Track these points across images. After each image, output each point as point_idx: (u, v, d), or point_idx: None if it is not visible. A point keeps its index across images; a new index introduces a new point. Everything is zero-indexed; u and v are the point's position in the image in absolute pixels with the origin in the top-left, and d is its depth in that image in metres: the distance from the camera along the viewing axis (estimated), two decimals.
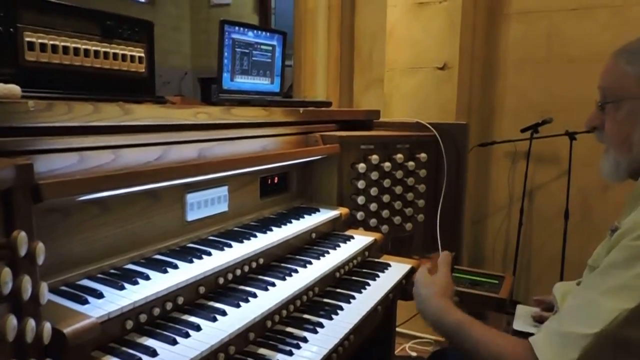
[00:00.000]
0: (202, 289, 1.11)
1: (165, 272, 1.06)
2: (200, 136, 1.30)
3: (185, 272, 1.08)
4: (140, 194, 1.14)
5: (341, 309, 1.28)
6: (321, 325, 1.18)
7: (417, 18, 3.21)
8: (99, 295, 0.91)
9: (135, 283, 0.98)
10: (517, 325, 1.59)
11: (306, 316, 1.23)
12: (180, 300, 1.05)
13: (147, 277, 1.01)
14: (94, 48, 1.21)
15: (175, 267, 1.09)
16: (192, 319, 1.02)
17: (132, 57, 1.34)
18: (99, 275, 1.01)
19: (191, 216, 1.30)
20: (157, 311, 0.98)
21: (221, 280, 1.18)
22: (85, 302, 0.88)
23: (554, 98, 3.52)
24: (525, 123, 3.46)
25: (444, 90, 3.21)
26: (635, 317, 0.87)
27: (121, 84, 1.32)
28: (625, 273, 0.90)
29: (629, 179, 1.17)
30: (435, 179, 1.99)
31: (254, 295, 1.15)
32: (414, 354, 3.18)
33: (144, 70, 1.39)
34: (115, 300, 0.90)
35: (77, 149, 0.93)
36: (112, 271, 1.05)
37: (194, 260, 1.14)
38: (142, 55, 1.38)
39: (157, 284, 1.00)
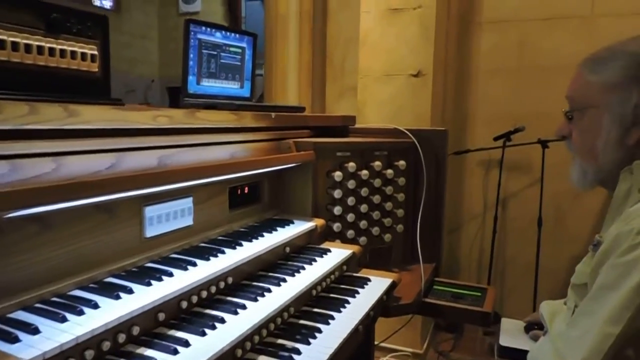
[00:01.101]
0: (161, 316, 0.97)
1: (118, 298, 0.92)
2: (160, 142, 1.16)
3: (142, 297, 0.94)
4: (90, 208, 1.00)
5: (319, 331, 1.16)
6: (298, 352, 1.05)
7: (391, 24, 3.16)
8: (34, 330, 0.76)
9: (81, 313, 0.84)
10: (504, 340, 1.50)
11: (281, 341, 1.11)
12: (136, 330, 0.91)
13: (95, 306, 0.87)
14: (37, 43, 1.07)
15: (130, 291, 0.95)
16: (149, 352, 0.88)
17: (82, 54, 1.20)
18: (37, 306, 0.86)
19: (150, 232, 1.16)
20: (107, 345, 0.84)
21: (184, 305, 1.04)
22: (16, 340, 0.73)
23: (526, 107, 3.53)
24: (498, 132, 3.45)
25: (418, 97, 3.16)
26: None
27: (70, 84, 1.18)
28: (618, 293, 0.87)
29: (599, 187, 1.16)
30: (414, 187, 1.90)
31: (222, 321, 1.02)
32: None
33: (97, 69, 1.25)
34: (54, 336, 0.76)
35: (6, 157, 0.79)
36: (54, 299, 0.90)
37: (153, 282, 1.00)
38: (95, 52, 1.24)
39: (107, 312, 0.86)
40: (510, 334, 1.54)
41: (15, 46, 1.03)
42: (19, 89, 1.04)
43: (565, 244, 3.54)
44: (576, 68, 1.13)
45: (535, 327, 1.52)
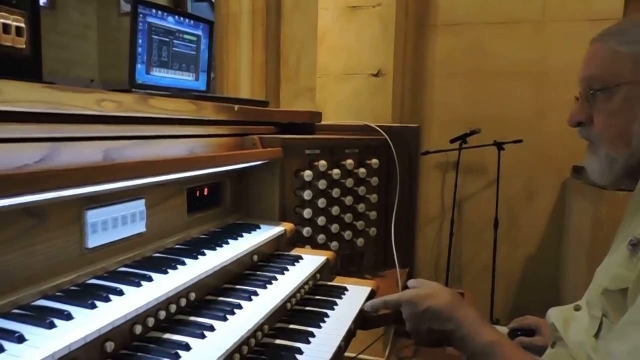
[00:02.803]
0: (110, 346, 0.77)
1: (52, 326, 0.71)
2: (106, 132, 0.96)
3: (84, 324, 0.74)
4: (15, 212, 0.79)
5: (300, 352, 1.00)
6: None
7: (350, 23, 3.06)
8: None
9: (0, 351, 0.63)
10: None
11: None
12: None
13: (20, 339, 0.66)
14: None
15: (69, 317, 0.74)
16: None
17: (5, 26, 0.97)
18: None
19: (94, 241, 0.95)
20: None
21: (139, 330, 0.84)
22: None
23: (481, 110, 3.55)
24: (454, 134, 3.44)
25: (379, 98, 3.08)
26: None
27: None
28: None
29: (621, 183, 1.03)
30: (386, 187, 1.79)
31: (187, 348, 0.84)
32: None
33: (24, 46, 1.03)
34: None
35: None
36: None
37: (98, 303, 0.80)
38: (22, 25, 1.02)
39: (37, 347, 0.65)
40: None
41: None
42: None
43: (519, 245, 3.58)
44: (592, 45, 1.00)
45: (519, 334, 1.43)
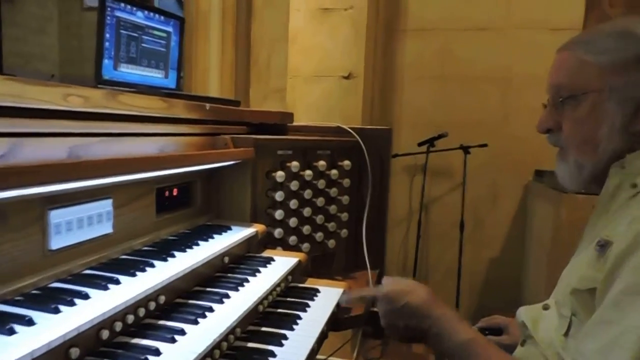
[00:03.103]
0: (74, 352, 0.74)
1: (11, 332, 0.67)
2: (72, 128, 0.92)
3: (48, 330, 0.70)
4: None
5: (273, 355, 0.98)
6: None
7: (322, 24, 3.07)
8: None
9: None
10: None
11: None
12: None
13: None
14: None
15: (30, 322, 0.70)
16: None
17: None
18: None
19: (57, 242, 0.91)
20: None
21: (105, 335, 0.81)
22: None
23: (448, 114, 3.62)
24: (421, 137, 3.50)
25: (349, 100, 3.09)
26: None
27: None
28: None
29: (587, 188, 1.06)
30: (358, 189, 1.79)
31: (156, 353, 0.81)
32: None
33: None
34: None
35: None
36: None
37: (62, 308, 0.76)
38: None
39: None
40: None
41: None
42: None
43: (484, 247, 3.67)
44: (558, 54, 1.03)
45: (487, 333, 1.46)
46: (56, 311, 0.75)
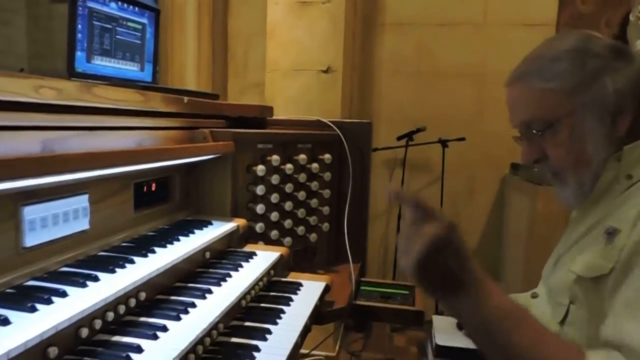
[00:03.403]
0: (52, 352, 0.71)
1: None
2: (45, 121, 0.89)
3: (23, 329, 0.68)
4: None
5: (257, 350, 0.98)
6: None
7: (300, 18, 3.04)
8: None
9: None
10: (441, 339, 1.44)
11: None
12: None
13: None
14: None
15: (5, 322, 0.68)
16: None
17: None
18: None
19: (31, 240, 0.88)
20: None
21: (84, 333, 0.79)
22: None
23: (425, 108, 3.65)
24: (400, 131, 3.52)
25: (328, 94, 3.08)
26: None
27: None
28: None
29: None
30: (339, 182, 1.79)
31: (138, 350, 0.79)
32: None
33: None
34: None
35: None
36: None
37: (38, 306, 0.74)
38: None
39: None
40: (445, 331, 1.49)
41: None
42: None
43: None
44: (512, 89, 1.03)
45: None
46: (33, 310, 0.73)
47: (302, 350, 3.04)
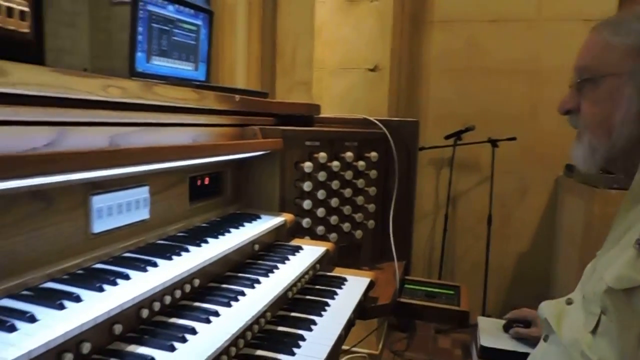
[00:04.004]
0: (118, 328, 0.78)
1: (61, 307, 0.72)
2: (112, 118, 0.96)
3: (94, 306, 0.74)
4: (22, 194, 0.79)
5: (302, 339, 1.01)
6: None
7: (348, 16, 3.07)
8: None
9: (12, 329, 0.63)
10: (486, 340, 1.42)
11: (260, 353, 0.95)
12: (86, 348, 0.71)
13: (31, 319, 0.67)
14: None
15: (77, 299, 0.75)
16: None
17: (9, 9, 0.97)
18: None
19: (99, 226, 0.95)
20: None
21: (145, 313, 0.85)
22: None
23: (474, 107, 3.58)
24: (448, 130, 3.47)
25: (375, 92, 3.09)
26: None
27: None
28: None
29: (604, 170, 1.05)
30: (385, 180, 1.80)
31: (193, 331, 0.84)
32: None
33: (27, 30, 1.02)
34: None
35: None
36: None
37: (105, 287, 0.81)
38: (26, 9, 1.01)
39: (48, 327, 0.66)
40: (490, 333, 1.47)
41: None
42: None
43: (511, 241, 3.63)
44: (588, 34, 1.02)
45: (514, 325, 1.46)
46: (100, 290, 0.79)
47: (345, 347, 3.07)
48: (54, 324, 0.66)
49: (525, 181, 3.58)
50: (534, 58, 3.43)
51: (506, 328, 1.47)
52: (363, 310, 1.40)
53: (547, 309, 1.07)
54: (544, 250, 3.50)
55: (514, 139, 3.31)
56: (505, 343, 1.40)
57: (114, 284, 0.83)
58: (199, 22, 1.77)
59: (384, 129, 1.76)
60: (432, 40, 3.70)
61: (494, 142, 3.37)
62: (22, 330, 0.64)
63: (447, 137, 3.48)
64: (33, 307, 0.70)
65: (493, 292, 3.54)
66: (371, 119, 1.79)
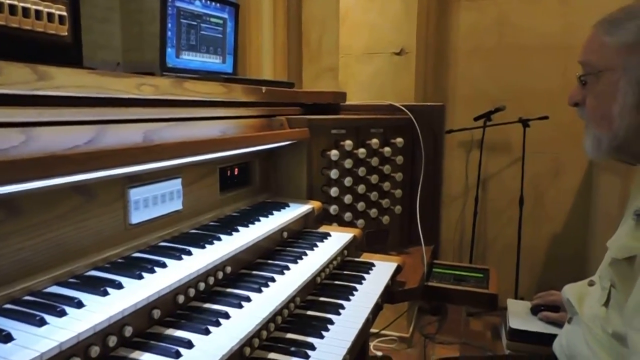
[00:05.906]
0: (156, 313, 0.84)
1: (105, 294, 0.78)
2: (145, 114, 1.01)
3: (134, 292, 0.80)
4: (66, 190, 0.85)
5: (331, 322, 1.05)
6: (312, 347, 0.94)
7: (372, 1, 3.04)
8: (6, 337, 0.62)
9: (62, 314, 0.70)
10: (515, 323, 1.43)
11: (291, 336, 0.99)
12: (128, 331, 0.77)
13: (79, 304, 0.73)
14: None
15: (119, 286, 0.81)
16: (146, 356, 0.75)
17: (49, 15, 1.03)
18: (7, 307, 0.72)
19: (136, 217, 1.01)
20: (95, 351, 0.70)
21: (181, 299, 0.91)
22: None
23: (505, 86, 3.49)
24: (477, 112, 3.41)
25: (401, 76, 3.06)
26: None
27: (36, 50, 1.01)
28: None
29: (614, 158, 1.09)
30: (411, 166, 1.81)
31: (226, 316, 0.90)
32: (379, 353, 3.02)
33: (66, 33, 1.08)
34: (31, 344, 0.62)
35: None
36: (27, 299, 0.75)
37: (144, 274, 0.86)
38: (64, 14, 1.07)
39: (94, 312, 0.72)
40: (519, 315, 1.48)
41: None
42: None
43: (544, 223, 3.56)
44: (591, 30, 1.06)
45: (542, 309, 1.46)
46: (140, 277, 0.85)
47: (374, 330, 3.11)
48: (98, 309, 0.72)
49: (559, 161, 3.49)
50: (566, 33, 3.31)
51: (534, 311, 1.48)
52: (391, 294, 1.43)
53: (570, 290, 1.10)
54: (579, 231, 3.42)
55: (546, 117, 3.22)
56: (534, 325, 1.41)
57: (152, 271, 0.88)
58: (225, 16, 1.81)
59: (409, 114, 1.76)
60: (459, 20, 3.62)
61: (525, 122, 3.29)
62: (71, 315, 0.70)
63: (477, 119, 3.42)
64: (79, 293, 0.77)
65: (526, 274, 3.50)
66: (397, 104, 1.79)
